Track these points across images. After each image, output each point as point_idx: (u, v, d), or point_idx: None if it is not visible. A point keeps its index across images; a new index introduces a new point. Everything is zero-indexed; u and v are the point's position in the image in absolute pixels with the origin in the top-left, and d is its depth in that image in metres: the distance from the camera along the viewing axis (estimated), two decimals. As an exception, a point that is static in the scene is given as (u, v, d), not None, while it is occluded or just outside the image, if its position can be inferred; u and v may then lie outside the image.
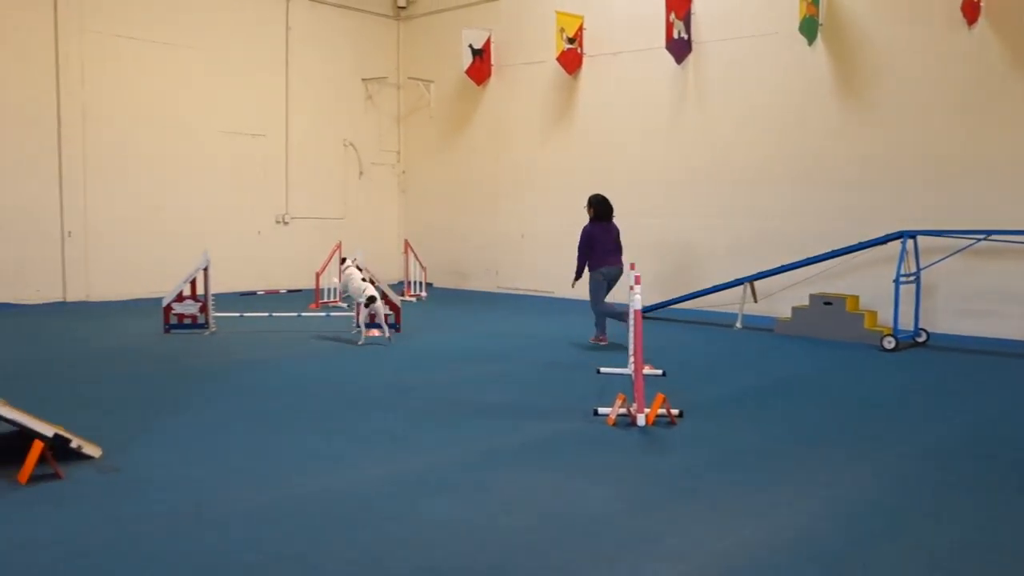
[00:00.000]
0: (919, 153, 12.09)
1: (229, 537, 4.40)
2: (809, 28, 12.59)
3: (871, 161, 12.50)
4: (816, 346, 11.07)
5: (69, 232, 14.18)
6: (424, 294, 16.22)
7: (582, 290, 11.24)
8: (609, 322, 11.01)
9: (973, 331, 11.70)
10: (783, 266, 12.44)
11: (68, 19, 13.98)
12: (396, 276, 17.38)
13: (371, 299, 10.74)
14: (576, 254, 10.93)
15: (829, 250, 12.09)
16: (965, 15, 11.54)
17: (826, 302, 11.74)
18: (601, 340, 10.88)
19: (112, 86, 14.58)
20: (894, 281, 10.89)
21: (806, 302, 12.07)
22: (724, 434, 6.62)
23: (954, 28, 11.72)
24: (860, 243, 11.76)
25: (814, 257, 12.16)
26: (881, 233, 11.64)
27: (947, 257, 11.32)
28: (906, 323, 11.30)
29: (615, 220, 11.11)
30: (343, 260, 11.83)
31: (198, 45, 15.62)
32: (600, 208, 10.97)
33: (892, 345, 10.70)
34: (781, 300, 12.87)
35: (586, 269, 10.92)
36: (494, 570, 4.08)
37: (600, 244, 10.84)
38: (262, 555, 4.18)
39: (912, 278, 11.24)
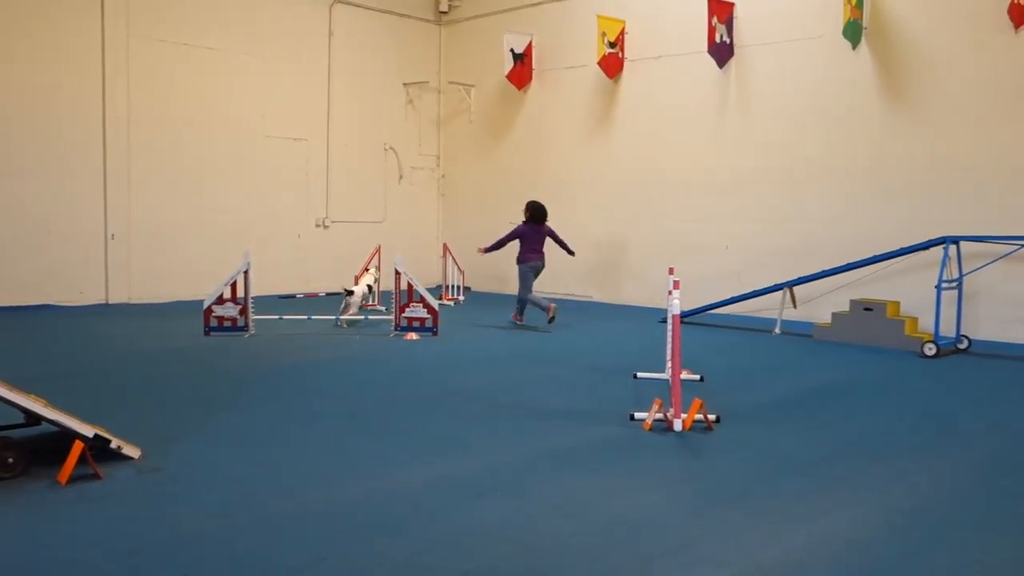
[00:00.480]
0: (963, 158, 11.91)
1: (273, 538, 4.43)
2: (853, 32, 12.46)
3: (914, 166, 12.33)
4: (856, 352, 10.95)
5: (112, 235, 14.39)
6: (462, 298, 16.25)
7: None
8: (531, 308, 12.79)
9: (1016, 338, 11.50)
10: (823, 271, 12.31)
11: (114, 24, 14.19)
12: (434, 280, 17.43)
13: (348, 292, 12.30)
14: (500, 236, 12.79)
15: (870, 255, 11.96)
16: (1012, 18, 11.36)
17: (866, 308, 11.62)
18: (518, 320, 12.71)
19: (156, 90, 14.79)
20: (936, 287, 10.75)
21: (846, 308, 11.96)
22: (764, 440, 6.56)
23: (1001, 31, 11.53)
24: (901, 248, 11.61)
25: (855, 263, 12.03)
26: (923, 238, 11.49)
27: (990, 263, 11.16)
28: (947, 330, 11.14)
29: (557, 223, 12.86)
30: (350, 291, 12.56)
31: (240, 50, 15.80)
32: (534, 212, 12.72)
33: (933, 352, 10.57)
34: (821, 305, 12.76)
35: (517, 263, 12.68)
36: (540, 573, 4.08)
37: (529, 241, 12.59)
38: (307, 556, 4.21)
39: (954, 284, 11.09)
